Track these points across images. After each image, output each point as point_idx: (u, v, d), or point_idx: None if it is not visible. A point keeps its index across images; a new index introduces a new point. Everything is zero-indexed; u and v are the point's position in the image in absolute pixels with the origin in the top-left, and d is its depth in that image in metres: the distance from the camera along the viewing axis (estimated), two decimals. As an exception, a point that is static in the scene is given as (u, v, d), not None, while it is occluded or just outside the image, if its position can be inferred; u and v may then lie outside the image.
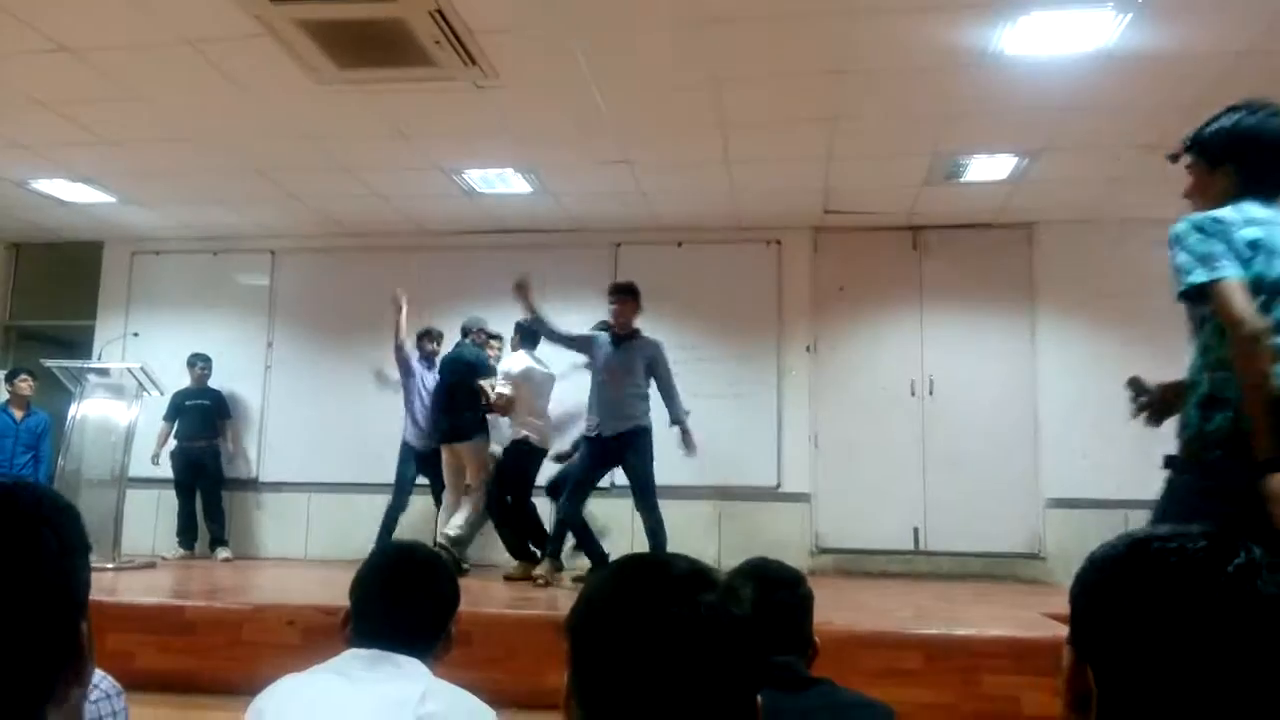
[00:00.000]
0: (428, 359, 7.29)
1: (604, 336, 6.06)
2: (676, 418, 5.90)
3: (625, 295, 5.96)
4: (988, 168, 6.65)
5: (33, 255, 9.18)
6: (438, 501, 7.02)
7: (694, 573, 0.98)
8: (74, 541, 0.84)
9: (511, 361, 6.75)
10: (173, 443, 7.94)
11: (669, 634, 0.92)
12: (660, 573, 0.98)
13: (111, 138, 6.31)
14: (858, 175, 6.86)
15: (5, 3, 4.57)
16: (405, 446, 7.25)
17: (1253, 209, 2.27)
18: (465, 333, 6.93)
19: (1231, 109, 2.40)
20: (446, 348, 7.17)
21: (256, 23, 4.71)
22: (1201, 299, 2.22)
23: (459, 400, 6.58)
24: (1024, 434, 7.67)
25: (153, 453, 7.80)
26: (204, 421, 7.96)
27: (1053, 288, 7.79)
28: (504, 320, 7.04)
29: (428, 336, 7.38)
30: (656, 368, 5.92)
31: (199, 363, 8.09)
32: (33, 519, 0.81)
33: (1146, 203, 7.17)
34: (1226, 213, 2.26)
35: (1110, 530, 0.96)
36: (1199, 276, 2.19)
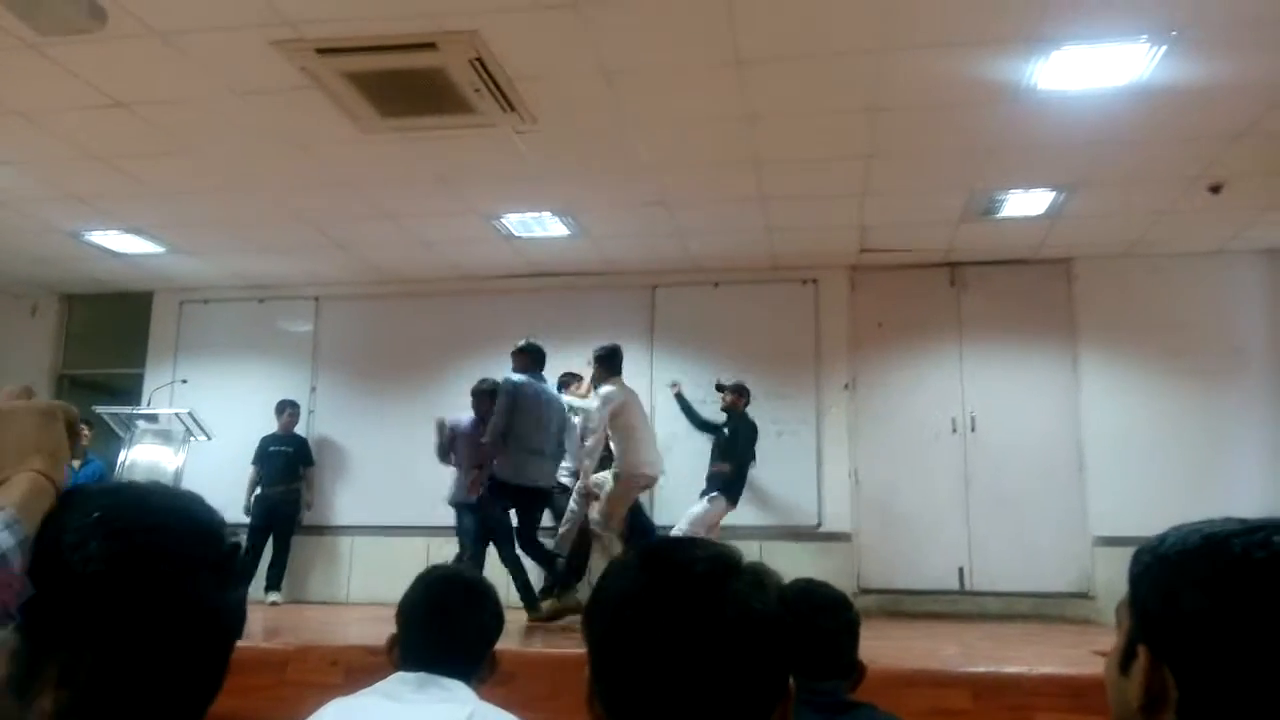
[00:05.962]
0: None
1: None
2: None
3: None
4: (1024, 203, 6.64)
5: (84, 305, 9.43)
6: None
7: (716, 568, 0.94)
8: (232, 579, 0.88)
9: None
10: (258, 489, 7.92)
11: (691, 633, 0.89)
12: (681, 566, 0.94)
13: (162, 189, 6.50)
14: (894, 213, 6.87)
15: (62, 60, 4.77)
16: None
17: None
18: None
19: None
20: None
21: (302, 74, 4.85)
22: None
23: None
24: (1069, 471, 7.56)
25: (244, 503, 7.76)
26: (286, 468, 8.01)
27: (1094, 322, 7.71)
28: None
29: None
30: None
31: (288, 408, 8.15)
32: (195, 559, 0.83)
33: (1188, 235, 7.13)
34: None
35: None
36: None
